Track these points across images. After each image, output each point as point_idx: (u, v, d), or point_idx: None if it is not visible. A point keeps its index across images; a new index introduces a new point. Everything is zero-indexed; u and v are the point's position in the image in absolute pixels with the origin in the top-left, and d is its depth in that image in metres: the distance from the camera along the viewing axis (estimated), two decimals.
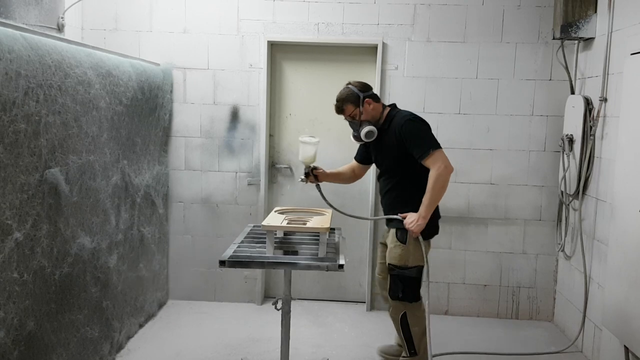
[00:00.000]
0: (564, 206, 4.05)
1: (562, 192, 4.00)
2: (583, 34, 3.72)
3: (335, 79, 4.35)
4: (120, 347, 3.48)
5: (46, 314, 2.61)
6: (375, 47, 4.19)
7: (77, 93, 2.82)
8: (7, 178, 2.25)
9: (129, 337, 3.63)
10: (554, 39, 3.92)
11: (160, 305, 4.25)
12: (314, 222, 2.64)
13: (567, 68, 4.01)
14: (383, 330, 3.97)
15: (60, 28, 3.21)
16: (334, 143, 4.33)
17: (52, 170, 2.60)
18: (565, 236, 4.03)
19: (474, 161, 4.20)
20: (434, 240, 4.24)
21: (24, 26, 2.59)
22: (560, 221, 4.12)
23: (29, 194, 2.42)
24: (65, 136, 2.72)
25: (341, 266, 2.45)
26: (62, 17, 3.33)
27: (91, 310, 3.05)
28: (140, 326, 3.84)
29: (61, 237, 2.71)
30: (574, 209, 3.88)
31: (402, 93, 4.18)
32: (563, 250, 4.08)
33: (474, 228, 4.26)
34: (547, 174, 4.17)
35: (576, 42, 3.94)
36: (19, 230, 2.35)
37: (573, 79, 4.01)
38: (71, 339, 2.84)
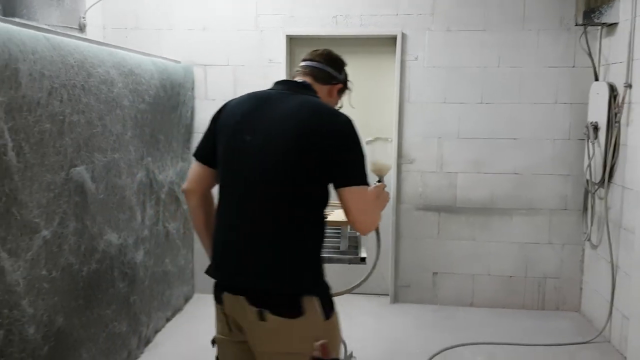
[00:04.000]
0: (589, 195, 3.99)
1: (587, 180, 3.94)
2: (606, 19, 3.64)
3: (355, 72, 4.32)
4: (148, 341, 3.54)
5: (75, 309, 2.67)
6: (394, 38, 4.16)
7: (101, 92, 2.86)
8: (33, 177, 2.31)
9: (156, 331, 3.69)
10: (576, 25, 3.85)
11: (187, 299, 4.32)
12: (335, 216, 2.64)
13: (590, 54, 3.93)
14: (407, 322, 3.97)
15: (82, 28, 3.26)
16: None
17: (78, 169, 2.65)
18: (592, 225, 3.97)
19: (497, 151, 4.16)
20: (457, 232, 4.26)
21: (47, 27, 2.64)
22: (586, 210, 4.06)
23: (56, 192, 2.47)
24: (90, 135, 2.77)
25: (363, 259, 2.46)
26: (83, 17, 3.37)
27: (119, 306, 3.11)
28: (167, 320, 3.90)
29: (88, 234, 2.76)
30: (600, 198, 3.82)
31: (422, 84, 4.15)
32: (589, 240, 4.02)
33: (498, 219, 4.22)
34: (572, 163, 4.10)
35: (599, 27, 3.86)
36: (46, 228, 2.40)
37: (597, 65, 3.93)
38: (100, 334, 2.91)
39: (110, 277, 3.01)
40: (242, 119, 1.75)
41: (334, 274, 4.37)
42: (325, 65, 1.92)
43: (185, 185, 1.91)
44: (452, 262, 4.29)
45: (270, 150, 1.66)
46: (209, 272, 1.79)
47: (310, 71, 1.90)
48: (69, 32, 2.87)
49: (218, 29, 4.27)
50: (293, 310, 1.62)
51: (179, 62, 4.19)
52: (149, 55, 3.70)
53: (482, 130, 4.15)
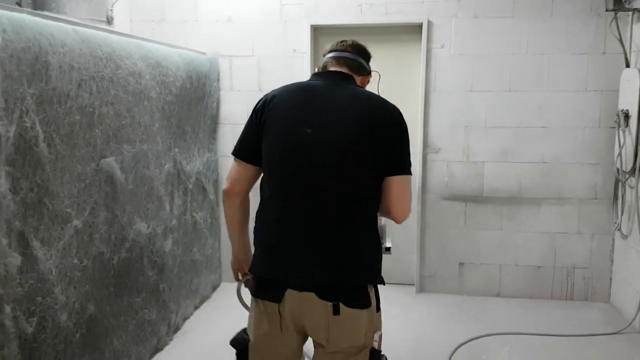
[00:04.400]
0: (620, 184, 3.91)
1: (618, 169, 3.86)
2: (638, 4, 3.55)
3: (380, 61, 4.30)
4: (177, 328, 3.61)
5: (106, 297, 2.73)
6: (420, 26, 4.12)
7: (129, 84, 2.91)
8: (64, 168, 2.36)
9: (185, 319, 3.76)
10: (607, 10, 3.75)
11: (214, 288, 4.38)
12: None
13: (621, 40, 3.83)
14: (433, 312, 3.96)
15: (109, 20, 3.31)
16: None
17: (108, 160, 2.70)
18: (622, 215, 3.90)
19: (525, 140, 4.10)
20: (484, 221, 4.22)
21: (75, 20, 2.68)
22: (617, 199, 3.98)
23: (86, 182, 2.53)
24: (119, 126, 2.81)
25: (388, 249, 2.45)
26: (111, 10, 3.42)
27: (149, 293, 3.18)
28: (196, 308, 3.97)
29: (118, 224, 2.82)
30: (631, 187, 3.74)
31: (449, 72, 4.10)
32: (619, 230, 3.94)
33: (526, 209, 4.17)
34: (602, 151, 4.02)
35: (630, 13, 3.76)
36: (77, 218, 2.46)
37: (628, 51, 3.83)
38: (130, 321, 2.97)
39: (140, 265, 3.07)
40: (296, 111, 1.71)
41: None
42: (357, 55, 1.91)
43: (228, 186, 1.87)
44: (479, 252, 4.25)
45: (334, 143, 1.66)
46: (259, 271, 1.75)
47: (345, 62, 1.87)
48: (97, 25, 2.92)
49: (243, 20, 4.28)
50: (364, 301, 1.67)
51: (204, 53, 4.23)
52: (175, 47, 3.74)
53: (510, 119, 4.09)
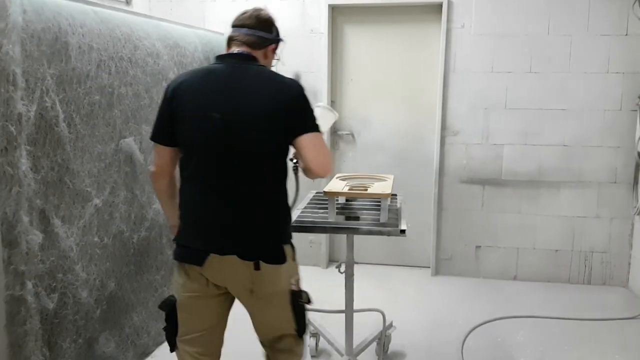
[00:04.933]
0: None
1: (638, 153, 3.80)
2: None
3: (398, 41, 4.28)
4: None
5: (126, 275, 2.78)
6: (439, 5, 4.06)
7: (147, 65, 2.92)
8: (84, 148, 2.40)
9: None
10: None
11: None
12: (376, 188, 2.64)
13: None
14: (448, 294, 3.97)
15: (128, 1, 3.32)
16: (397, 108, 4.30)
17: (127, 140, 2.74)
18: None
19: (546, 122, 4.05)
20: (502, 204, 4.19)
21: (94, 1, 2.70)
22: (637, 183, 3.92)
23: (106, 162, 2.57)
24: (138, 107, 2.84)
25: (403, 231, 2.46)
26: None
27: (167, 272, 3.23)
28: None
29: (138, 203, 2.86)
30: None
31: (469, 52, 4.05)
32: (639, 214, 3.90)
33: (545, 192, 4.13)
34: (624, 134, 3.95)
35: None
36: (97, 197, 2.50)
37: None
38: (149, 298, 3.03)
39: (159, 244, 3.12)
40: (204, 97, 1.85)
41: (377, 245, 4.41)
42: (256, 30, 1.98)
43: (154, 169, 2.01)
44: (496, 235, 4.24)
45: (243, 124, 1.82)
46: (184, 241, 1.93)
47: (244, 40, 1.96)
48: (115, 6, 2.93)
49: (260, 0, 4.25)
50: (280, 259, 1.91)
51: (222, 34, 4.21)
52: (193, 27, 3.74)
53: (531, 101, 4.04)
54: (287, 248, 1.94)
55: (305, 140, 1.86)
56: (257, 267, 1.86)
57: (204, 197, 1.88)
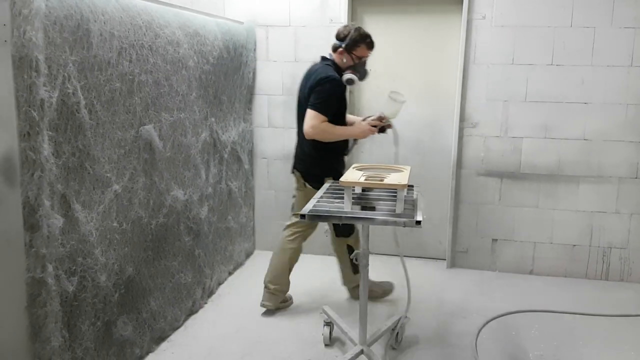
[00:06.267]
0: None
1: None
2: None
3: (418, 32, 4.25)
4: (211, 292, 3.72)
5: (144, 260, 2.83)
6: None
7: (167, 53, 2.95)
8: (105, 134, 2.43)
9: (219, 284, 3.86)
10: None
11: (248, 255, 4.47)
12: (392, 179, 2.64)
13: None
14: (463, 286, 3.97)
15: None
16: (415, 99, 4.27)
17: (147, 127, 2.77)
18: None
19: (566, 115, 4.00)
20: (520, 198, 4.16)
21: None
22: None
23: (126, 149, 2.60)
24: (158, 95, 2.87)
25: (418, 222, 2.45)
26: None
27: (185, 258, 3.27)
28: (230, 274, 4.07)
29: (156, 190, 2.90)
30: None
31: (489, 44, 4.01)
32: None
33: (564, 186, 4.09)
34: None
35: None
36: (117, 183, 2.54)
37: None
38: (167, 283, 3.08)
39: (176, 230, 3.16)
40: (302, 79, 3.36)
41: (392, 236, 4.41)
42: (336, 40, 3.29)
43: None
44: (513, 229, 4.21)
45: (301, 98, 3.31)
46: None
47: (331, 47, 3.31)
48: None
49: None
50: (310, 182, 3.34)
51: (241, 23, 4.23)
52: (213, 16, 3.76)
53: (551, 94, 3.99)
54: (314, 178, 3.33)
55: (307, 112, 3.12)
56: (305, 186, 3.41)
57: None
